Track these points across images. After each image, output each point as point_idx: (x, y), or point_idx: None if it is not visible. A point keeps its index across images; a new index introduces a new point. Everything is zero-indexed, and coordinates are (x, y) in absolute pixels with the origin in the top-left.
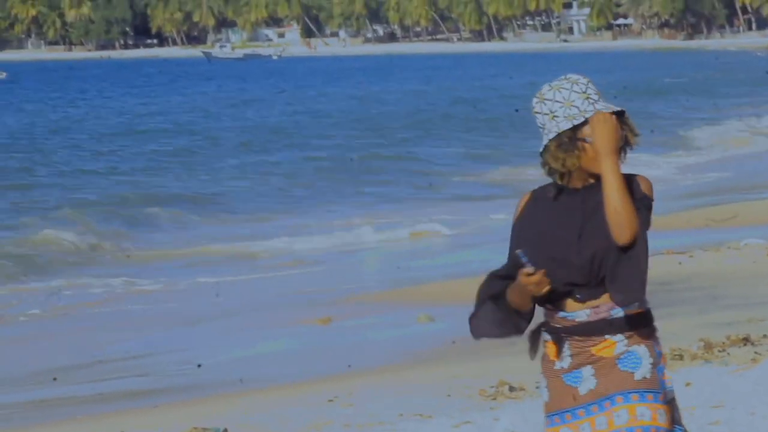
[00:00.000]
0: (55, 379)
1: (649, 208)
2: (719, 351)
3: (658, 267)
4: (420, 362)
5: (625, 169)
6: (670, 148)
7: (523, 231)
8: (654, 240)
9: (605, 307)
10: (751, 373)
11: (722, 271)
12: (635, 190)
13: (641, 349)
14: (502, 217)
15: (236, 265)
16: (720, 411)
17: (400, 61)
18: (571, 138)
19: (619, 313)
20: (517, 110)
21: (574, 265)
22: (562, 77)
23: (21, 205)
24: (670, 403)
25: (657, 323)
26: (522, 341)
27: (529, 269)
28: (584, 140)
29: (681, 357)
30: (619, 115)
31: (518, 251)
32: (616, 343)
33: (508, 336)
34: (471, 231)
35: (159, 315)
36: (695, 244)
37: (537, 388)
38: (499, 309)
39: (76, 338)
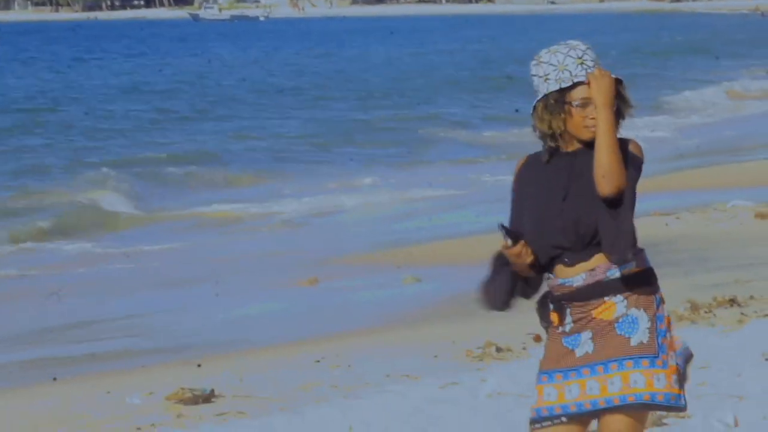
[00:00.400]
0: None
1: (638, 169)
2: (706, 312)
3: (644, 228)
4: (407, 323)
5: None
6: (656, 111)
7: (517, 194)
8: (641, 202)
9: (601, 269)
10: (737, 335)
11: (709, 232)
12: (626, 151)
13: (639, 313)
14: (491, 178)
15: (223, 226)
16: (706, 372)
17: (389, 23)
18: (557, 100)
19: (615, 273)
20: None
21: (558, 227)
22: (562, 42)
23: (19, 167)
24: (678, 365)
25: None
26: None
27: (506, 242)
28: (570, 104)
29: None
30: (617, 83)
31: (499, 223)
32: (616, 305)
33: (510, 304)
34: (458, 192)
35: (146, 277)
36: (682, 205)
37: (524, 349)
38: (509, 277)
39: (65, 299)
